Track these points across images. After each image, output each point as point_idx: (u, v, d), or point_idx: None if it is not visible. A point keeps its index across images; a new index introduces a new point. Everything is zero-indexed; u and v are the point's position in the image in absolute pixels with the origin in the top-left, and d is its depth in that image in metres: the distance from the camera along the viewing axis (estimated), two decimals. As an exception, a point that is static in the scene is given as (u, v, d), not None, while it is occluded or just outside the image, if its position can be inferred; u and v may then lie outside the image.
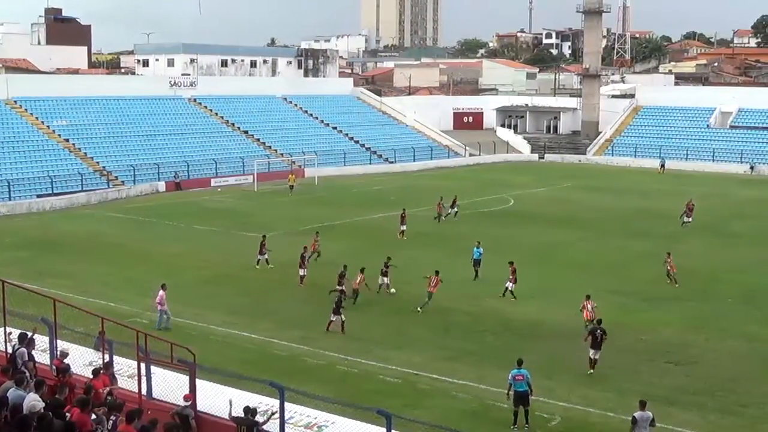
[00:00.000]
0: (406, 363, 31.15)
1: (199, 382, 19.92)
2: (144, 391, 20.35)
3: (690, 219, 59.67)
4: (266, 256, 46.21)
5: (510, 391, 25.63)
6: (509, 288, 40.53)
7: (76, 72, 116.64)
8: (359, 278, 39.18)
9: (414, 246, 52.52)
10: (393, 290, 40.94)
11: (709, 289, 41.23)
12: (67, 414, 16.06)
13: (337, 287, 38.14)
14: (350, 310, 38.20)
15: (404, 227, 55.18)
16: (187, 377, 19.83)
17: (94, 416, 16.67)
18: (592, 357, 30.30)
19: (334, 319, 34.77)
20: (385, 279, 41.31)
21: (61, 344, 21.53)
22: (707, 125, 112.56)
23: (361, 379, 29.80)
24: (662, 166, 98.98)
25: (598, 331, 30.36)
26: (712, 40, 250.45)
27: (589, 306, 34.79)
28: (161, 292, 35.14)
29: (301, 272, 43.26)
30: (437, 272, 38.59)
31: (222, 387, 21.25)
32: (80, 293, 38.91)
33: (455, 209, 62.65)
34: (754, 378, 30.24)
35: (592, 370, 30.11)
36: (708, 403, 27.85)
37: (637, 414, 23.29)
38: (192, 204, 69.84)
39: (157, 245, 52.85)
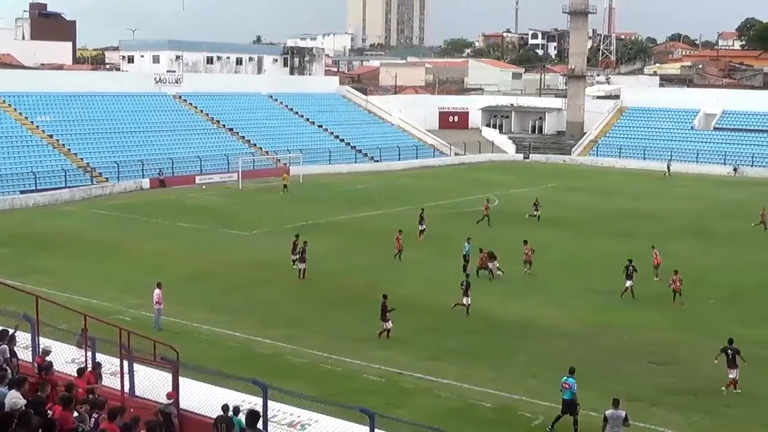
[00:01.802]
0: (390, 362, 31.12)
1: (182, 380, 19.82)
2: (127, 388, 20.26)
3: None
4: (295, 257, 45.37)
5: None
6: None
7: (60, 68, 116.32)
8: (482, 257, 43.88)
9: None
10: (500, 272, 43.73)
11: (693, 289, 41.31)
12: (49, 411, 15.97)
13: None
14: (337, 309, 38.24)
15: (423, 227, 54.89)
16: (170, 375, 19.74)
17: (76, 414, 16.59)
18: (731, 377, 29.18)
19: (386, 327, 33.94)
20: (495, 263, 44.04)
21: (44, 341, 21.40)
22: (691, 127, 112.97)
23: (344, 377, 29.77)
24: (668, 167, 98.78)
25: (729, 351, 29.36)
26: (697, 42, 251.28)
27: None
28: (157, 291, 34.91)
29: (301, 266, 43.79)
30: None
31: (205, 385, 21.18)
32: (63, 290, 38.72)
33: (538, 212, 62.44)
34: (738, 379, 30.30)
35: (724, 389, 29.09)
36: (691, 404, 27.92)
37: (608, 412, 23.33)
38: (176, 201, 69.65)
39: (140, 242, 52.67)
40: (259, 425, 17.96)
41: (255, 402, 19.76)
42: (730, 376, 29.16)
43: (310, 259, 44.34)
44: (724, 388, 29.10)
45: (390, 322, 33.57)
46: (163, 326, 33.99)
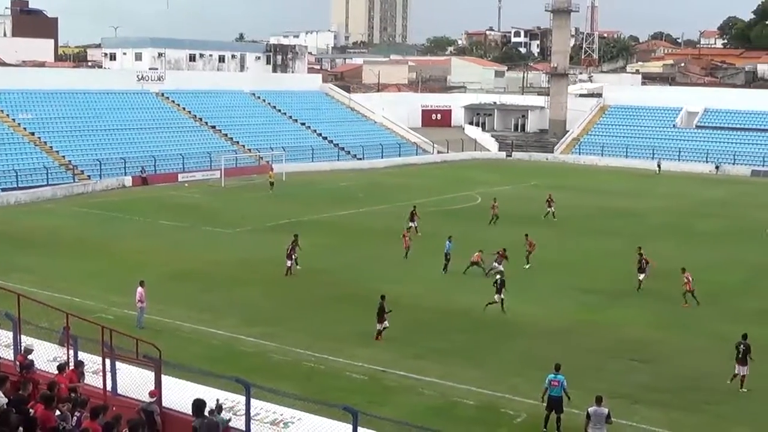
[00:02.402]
0: (373, 360, 31.12)
1: (164, 378, 19.78)
2: (109, 387, 20.20)
3: None
4: (295, 257, 45.10)
5: (545, 394, 25.44)
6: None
7: (42, 65, 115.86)
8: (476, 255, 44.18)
9: (380, 242, 52.59)
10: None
11: (675, 287, 41.46)
12: (31, 410, 15.90)
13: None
14: (320, 307, 38.24)
15: (414, 224, 54.81)
16: (153, 373, 19.69)
17: (58, 412, 16.53)
18: (736, 373, 29.35)
19: (380, 327, 33.72)
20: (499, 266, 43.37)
21: (25, 340, 21.30)
22: (673, 125, 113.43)
23: (327, 375, 29.76)
24: (659, 166, 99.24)
25: (741, 346, 29.38)
26: (679, 40, 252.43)
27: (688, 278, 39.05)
28: (140, 289, 34.78)
29: (288, 263, 43.84)
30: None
31: (188, 383, 21.13)
32: (45, 288, 38.61)
33: (552, 208, 62.49)
34: (718, 376, 30.42)
35: (729, 381, 29.38)
36: (672, 401, 28.04)
37: (591, 409, 23.40)
38: (158, 199, 69.46)
39: (122, 240, 52.49)
40: (241, 424, 17.94)
41: (238, 400, 19.74)
42: (737, 371, 29.28)
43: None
44: (729, 381, 29.32)
45: (386, 322, 33.39)
46: (145, 324, 33.89)
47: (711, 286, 42.57)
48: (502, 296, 37.54)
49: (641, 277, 42.39)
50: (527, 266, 46.40)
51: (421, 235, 53.08)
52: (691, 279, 39.49)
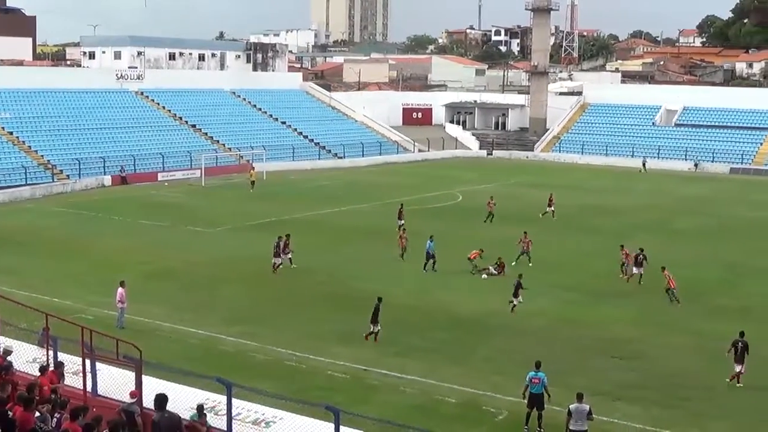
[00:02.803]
0: (355, 358, 31.08)
1: (145, 379, 19.70)
2: (89, 387, 20.11)
3: None
4: (290, 256, 45.03)
5: (526, 392, 25.46)
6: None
7: (20, 64, 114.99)
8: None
9: (361, 241, 52.63)
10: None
11: (655, 284, 41.62)
12: (9, 412, 15.81)
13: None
14: (301, 306, 38.20)
15: (402, 222, 54.68)
16: (133, 374, 19.61)
17: (38, 414, 16.44)
18: (737, 370, 29.43)
19: (374, 329, 33.33)
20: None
21: (4, 341, 21.20)
22: (653, 123, 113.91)
23: (309, 374, 29.72)
24: (644, 164, 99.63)
25: (739, 343, 29.47)
26: (658, 39, 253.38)
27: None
28: (120, 290, 34.59)
29: (278, 261, 43.86)
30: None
31: (169, 383, 21.06)
32: (23, 289, 38.35)
33: (552, 208, 62.56)
34: (697, 372, 30.64)
35: (728, 380, 29.50)
36: (652, 397, 28.15)
37: (572, 406, 23.46)
38: (138, 198, 69.21)
39: (102, 240, 52.27)
40: (222, 423, 17.90)
41: (219, 400, 19.70)
42: (736, 369, 29.39)
43: (270, 256, 44.29)
44: (728, 380, 29.45)
45: (379, 324, 33.16)
46: (126, 325, 33.72)
47: (691, 284, 42.73)
48: (520, 299, 37.50)
49: (640, 270, 43.20)
50: (529, 264, 46.53)
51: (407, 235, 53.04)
52: (671, 277, 39.65)
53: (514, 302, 37.52)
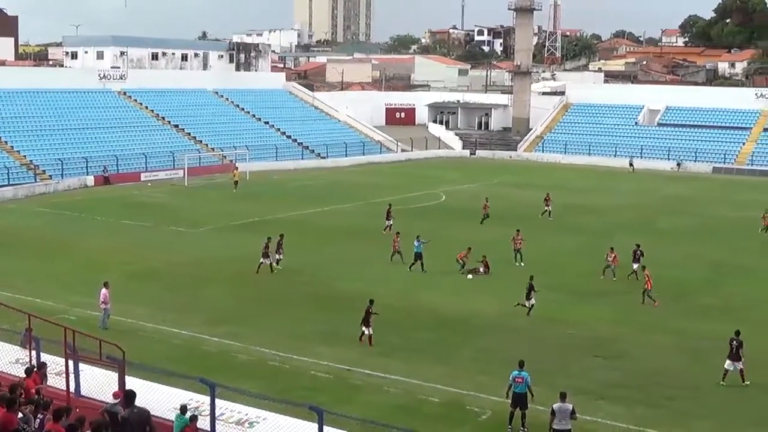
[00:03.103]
0: (339, 358, 31.05)
1: (128, 379, 19.66)
2: (72, 388, 20.04)
3: None
4: (279, 257, 45.02)
5: (509, 391, 25.45)
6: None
7: (2, 64, 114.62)
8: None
9: (345, 241, 52.62)
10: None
11: (637, 284, 41.77)
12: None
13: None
14: (284, 306, 38.16)
15: (390, 222, 54.80)
16: (116, 374, 19.56)
17: (21, 415, 16.37)
18: (726, 368, 29.53)
19: (367, 332, 33.02)
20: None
21: (-14, 342, 21.13)
22: (635, 123, 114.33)
23: (292, 375, 29.68)
24: (631, 164, 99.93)
25: (734, 342, 29.54)
26: (641, 38, 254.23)
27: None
28: (104, 291, 34.42)
29: (266, 261, 43.79)
30: None
31: (152, 384, 21.01)
32: (5, 289, 38.21)
33: (549, 207, 62.64)
34: (681, 371, 30.75)
35: (722, 382, 29.53)
36: (636, 397, 28.22)
37: (556, 405, 23.49)
38: (121, 198, 68.99)
39: (84, 240, 52.09)
40: (206, 424, 17.86)
41: (202, 400, 19.66)
42: (727, 367, 29.47)
43: (254, 256, 44.20)
44: (722, 380, 29.52)
45: (371, 327, 32.93)
46: (109, 326, 33.58)
47: (674, 283, 42.93)
48: (533, 301, 37.27)
49: (635, 266, 43.61)
50: (520, 264, 46.68)
51: (389, 234, 52.94)
52: (650, 277, 39.72)
53: (527, 304, 37.14)
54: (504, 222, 58.95)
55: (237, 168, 79.08)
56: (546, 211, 62.59)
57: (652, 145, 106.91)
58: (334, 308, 37.76)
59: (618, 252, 44.60)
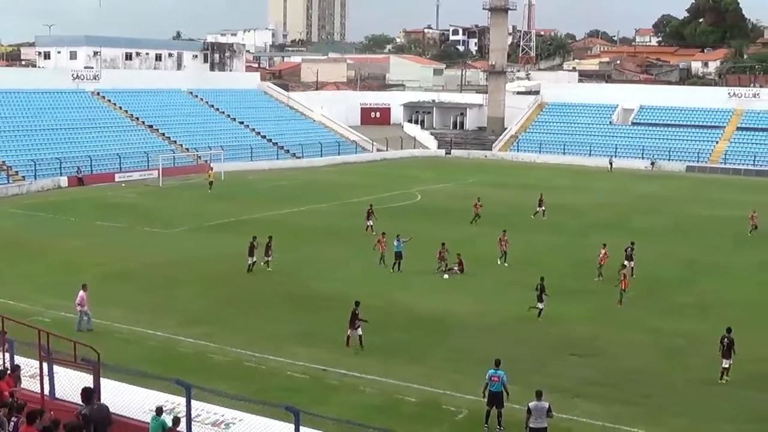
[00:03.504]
0: (315, 359, 31.01)
1: (103, 381, 19.55)
2: (47, 391, 19.91)
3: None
4: (269, 258, 44.80)
5: (485, 390, 25.49)
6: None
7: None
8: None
9: (320, 241, 52.57)
10: None
11: (613, 282, 41.97)
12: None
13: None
14: (260, 306, 38.08)
15: (371, 222, 54.84)
16: (91, 376, 19.45)
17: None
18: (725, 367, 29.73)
19: (354, 334, 32.81)
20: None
21: (-41, 344, 20.95)
22: (610, 122, 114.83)
23: (268, 375, 29.61)
24: (610, 164, 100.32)
25: (726, 339, 29.75)
26: (615, 38, 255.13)
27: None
28: (81, 293, 34.16)
29: (250, 260, 43.79)
30: None
31: (127, 386, 20.91)
32: (-21, 291, 37.97)
33: (543, 208, 62.76)
34: (655, 369, 30.91)
35: (725, 378, 29.74)
36: (612, 394, 28.33)
37: (532, 404, 23.53)
38: (95, 199, 68.66)
39: (58, 241, 51.77)
40: (182, 425, 17.78)
41: (178, 402, 19.57)
42: (723, 364, 29.67)
43: (230, 256, 44.09)
44: (725, 379, 29.68)
45: (359, 330, 32.68)
46: (84, 328, 33.34)
47: (649, 281, 43.17)
48: (544, 304, 37.07)
49: (631, 264, 44.00)
50: (504, 263, 46.80)
51: (375, 234, 52.80)
52: (626, 277, 39.85)
53: (539, 307, 36.93)
54: (480, 221, 59.05)
55: (212, 168, 78.84)
56: (538, 211, 62.65)
57: (627, 144, 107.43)
58: (311, 308, 37.74)
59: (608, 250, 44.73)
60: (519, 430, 24.26)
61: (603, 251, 44.48)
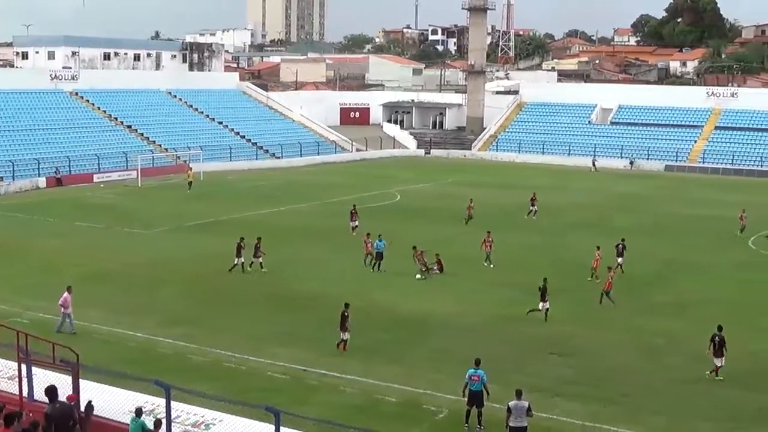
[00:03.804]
0: (295, 359, 30.99)
1: (82, 383, 19.47)
2: (25, 393, 19.82)
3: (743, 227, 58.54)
4: (260, 259, 44.62)
5: (465, 389, 25.53)
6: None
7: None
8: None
9: (300, 241, 52.53)
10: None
11: (592, 282, 42.13)
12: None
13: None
14: (239, 306, 38.01)
15: (355, 223, 54.77)
16: (70, 377, 19.37)
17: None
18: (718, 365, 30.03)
19: (343, 337, 32.55)
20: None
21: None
22: (589, 121, 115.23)
23: (248, 376, 29.58)
24: (594, 164, 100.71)
25: (716, 338, 29.99)
26: (594, 38, 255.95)
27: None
28: (66, 295, 34.00)
29: (237, 261, 43.91)
30: None
31: (106, 387, 20.84)
32: (-44, 292, 37.76)
33: (535, 207, 62.85)
34: (634, 367, 31.04)
35: (708, 373, 30.07)
36: (591, 393, 28.43)
37: (512, 403, 23.59)
38: (73, 200, 68.40)
39: (36, 242, 51.53)
40: (163, 425, 17.72)
41: (158, 403, 19.52)
42: (716, 363, 29.87)
43: (210, 256, 43.97)
44: (708, 372, 29.97)
45: (348, 332, 32.49)
46: (65, 330, 33.17)
47: (626, 279, 43.29)
48: (548, 305, 36.94)
49: (619, 260, 45.20)
50: (490, 265, 46.71)
51: (356, 235, 52.78)
52: (612, 279, 39.84)
53: (541, 308, 36.83)
54: (457, 220, 59.15)
55: (191, 168, 78.70)
56: (531, 210, 62.72)
57: (605, 143, 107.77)
58: (291, 308, 37.73)
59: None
60: (499, 430, 24.29)
61: (597, 254, 44.47)
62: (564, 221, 61.71)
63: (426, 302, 39.28)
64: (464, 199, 62.31)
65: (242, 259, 44.00)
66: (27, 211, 62.34)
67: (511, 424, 23.62)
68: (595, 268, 43.78)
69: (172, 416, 18.88)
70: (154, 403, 19.79)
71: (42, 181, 76.41)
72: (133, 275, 43.63)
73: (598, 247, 45.05)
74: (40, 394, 19.95)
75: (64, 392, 19.20)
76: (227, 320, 36.08)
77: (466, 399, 25.46)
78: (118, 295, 39.84)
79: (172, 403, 18.91)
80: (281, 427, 17.95)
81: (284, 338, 33.54)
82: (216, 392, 24.07)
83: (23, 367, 19.82)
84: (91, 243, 51.92)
